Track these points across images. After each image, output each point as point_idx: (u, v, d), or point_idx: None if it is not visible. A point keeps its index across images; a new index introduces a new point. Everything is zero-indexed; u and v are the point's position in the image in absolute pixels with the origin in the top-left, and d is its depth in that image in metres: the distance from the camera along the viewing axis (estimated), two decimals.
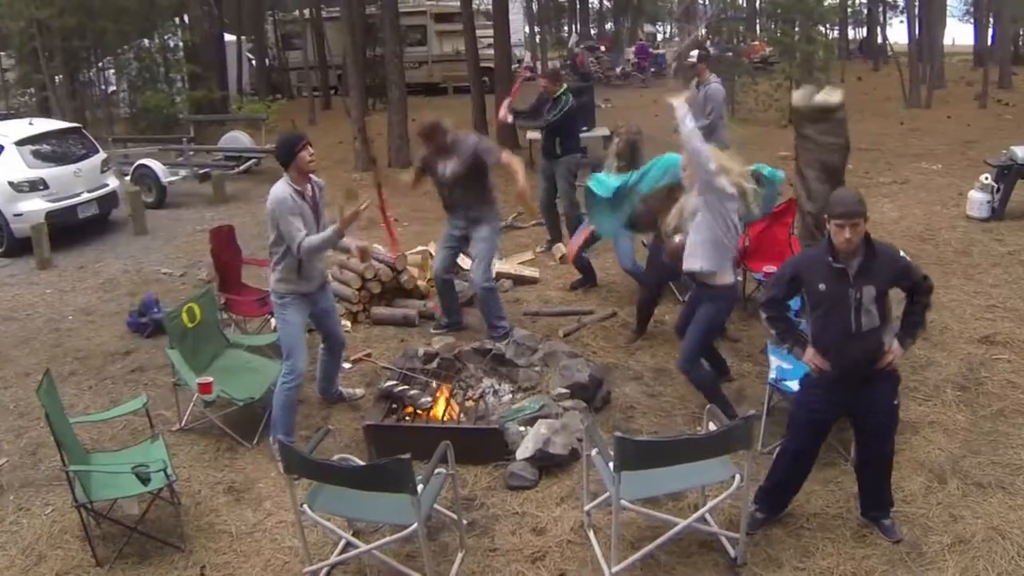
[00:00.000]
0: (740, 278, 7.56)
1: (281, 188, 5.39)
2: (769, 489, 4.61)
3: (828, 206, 4.14)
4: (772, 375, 5.47)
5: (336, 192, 9.09)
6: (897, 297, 4.37)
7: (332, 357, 6.21)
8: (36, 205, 10.80)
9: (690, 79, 8.61)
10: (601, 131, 13.88)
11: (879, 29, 32.34)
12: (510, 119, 8.99)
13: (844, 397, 4.33)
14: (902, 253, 4.48)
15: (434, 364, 6.21)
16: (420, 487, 3.95)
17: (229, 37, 25.32)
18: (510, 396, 6.00)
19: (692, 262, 5.45)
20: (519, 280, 8.58)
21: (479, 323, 7.59)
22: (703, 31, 22.19)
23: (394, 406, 5.74)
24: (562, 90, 8.98)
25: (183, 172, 14.51)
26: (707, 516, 4.48)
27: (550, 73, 9.27)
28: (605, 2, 48.03)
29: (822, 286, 4.18)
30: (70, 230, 11.22)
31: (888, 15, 35.59)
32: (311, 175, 5.53)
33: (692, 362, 5.60)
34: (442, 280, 7.33)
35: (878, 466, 4.47)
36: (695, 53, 9.87)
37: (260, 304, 7.21)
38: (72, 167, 11.45)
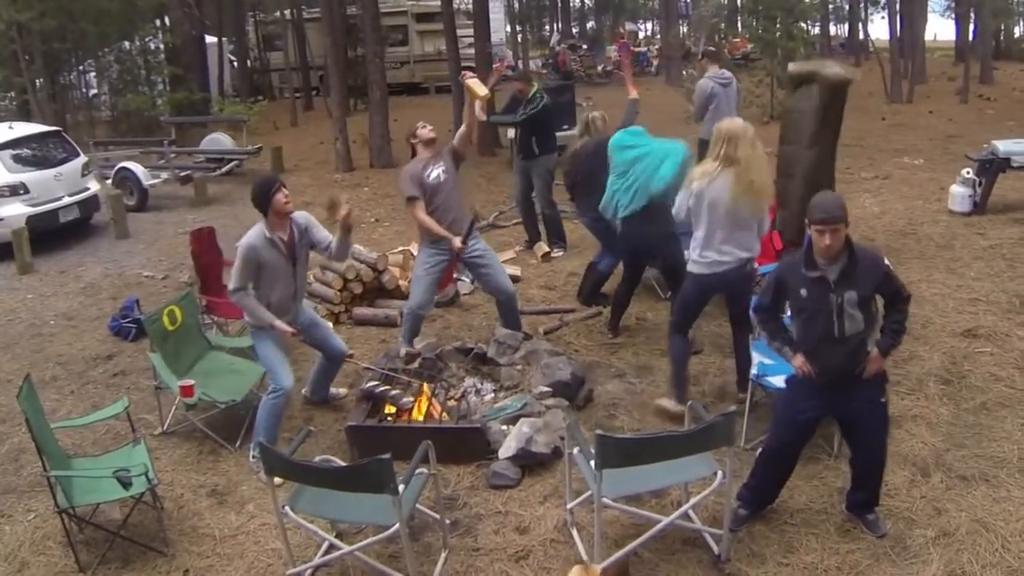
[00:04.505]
0: None
1: (254, 235, 5.35)
2: (753, 487, 4.62)
3: (809, 210, 4.13)
4: (754, 371, 5.48)
5: (320, 198, 8.97)
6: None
7: (331, 365, 6.14)
8: (17, 210, 10.72)
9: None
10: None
11: (860, 25, 32.53)
12: (484, 117, 8.65)
13: (830, 398, 4.33)
14: (885, 261, 4.48)
15: (416, 364, 6.19)
16: (401, 487, 3.94)
17: (210, 39, 25.15)
18: (492, 395, 5.99)
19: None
20: None
21: (460, 322, 7.58)
22: (684, 29, 22.26)
23: (375, 405, 5.72)
24: (535, 89, 9.00)
25: (164, 175, 14.44)
26: (690, 513, 4.48)
27: (521, 75, 9.22)
28: (586, 0, 48.11)
29: (803, 291, 4.21)
30: (51, 234, 11.14)
31: (869, 11, 35.78)
32: (292, 215, 5.48)
33: (671, 331, 5.90)
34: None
35: (871, 467, 4.47)
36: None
37: None
38: (53, 171, 11.38)
